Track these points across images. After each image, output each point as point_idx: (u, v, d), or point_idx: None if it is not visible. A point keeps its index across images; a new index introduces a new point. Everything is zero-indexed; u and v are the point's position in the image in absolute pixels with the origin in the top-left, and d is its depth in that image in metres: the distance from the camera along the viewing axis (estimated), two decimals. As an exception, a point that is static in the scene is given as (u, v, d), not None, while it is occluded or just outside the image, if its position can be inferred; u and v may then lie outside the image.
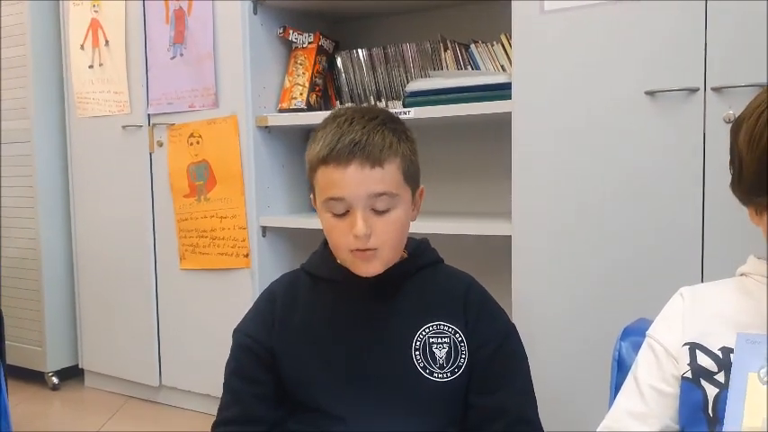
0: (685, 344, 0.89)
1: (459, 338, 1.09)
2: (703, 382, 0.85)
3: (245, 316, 1.20)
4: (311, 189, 1.14)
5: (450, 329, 1.09)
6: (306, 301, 1.15)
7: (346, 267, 1.13)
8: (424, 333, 1.09)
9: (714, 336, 0.87)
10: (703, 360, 0.86)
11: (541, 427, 1.11)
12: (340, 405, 1.08)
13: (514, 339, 1.15)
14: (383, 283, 1.12)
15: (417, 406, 1.07)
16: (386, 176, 1.05)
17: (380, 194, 1.05)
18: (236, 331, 1.18)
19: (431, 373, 1.07)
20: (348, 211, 1.06)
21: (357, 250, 1.06)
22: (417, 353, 1.08)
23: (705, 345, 0.87)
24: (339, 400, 1.08)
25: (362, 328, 1.11)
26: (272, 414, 1.14)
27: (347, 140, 1.05)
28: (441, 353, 1.08)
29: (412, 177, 1.12)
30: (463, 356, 1.09)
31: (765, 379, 0.80)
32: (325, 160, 1.06)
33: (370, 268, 1.07)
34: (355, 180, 1.04)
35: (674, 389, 0.89)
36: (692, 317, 0.92)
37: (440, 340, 1.09)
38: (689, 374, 0.87)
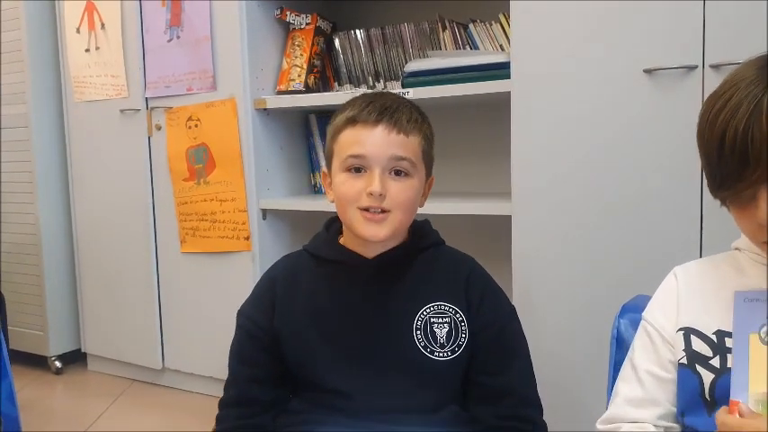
0: (680, 329, 0.89)
1: (460, 318, 1.11)
2: (699, 368, 0.85)
3: (248, 298, 1.22)
4: (327, 161, 1.16)
5: (450, 309, 1.11)
6: (308, 280, 1.16)
7: (349, 248, 1.15)
8: (425, 313, 1.10)
9: (709, 318, 0.87)
10: (698, 345, 0.86)
11: (540, 404, 1.14)
12: (343, 382, 1.09)
13: (515, 321, 1.17)
14: (385, 264, 1.13)
15: (419, 383, 1.09)
16: (408, 144, 1.10)
17: (401, 159, 1.08)
18: (238, 313, 1.20)
19: (432, 352, 1.09)
20: (366, 171, 1.08)
21: (368, 211, 1.07)
22: (418, 332, 1.09)
23: (700, 329, 0.87)
24: (342, 378, 1.10)
25: (365, 308, 1.12)
26: (270, 395, 1.16)
27: (378, 104, 1.10)
28: (441, 332, 1.09)
29: (428, 159, 1.16)
30: (463, 335, 1.10)
31: (767, 339, 0.78)
32: (353, 120, 1.10)
33: (378, 231, 1.08)
34: (379, 141, 1.08)
35: (670, 374, 0.90)
36: (687, 299, 0.92)
37: (440, 320, 1.10)
38: (685, 360, 0.87)
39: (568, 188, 1.77)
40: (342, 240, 1.18)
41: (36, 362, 2.91)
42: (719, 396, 0.83)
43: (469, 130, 2.37)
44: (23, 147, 2.83)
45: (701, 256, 1.59)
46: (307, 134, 2.60)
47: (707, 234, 1.61)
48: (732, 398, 0.77)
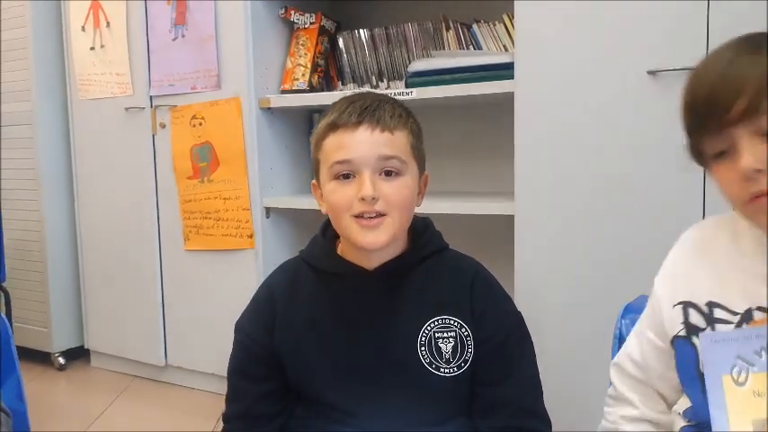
0: (679, 303, 0.90)
1: (466, 333, 1.07)
2: (695, 340, 0.86)
3: (246, 310, 1.17)
4: (315, 173, 1.11)
5: (456, 323, 1.07)
6: (308, 294, 1.12)
7: (348, 259, 1.10)
8: (429, 328, 1.06)
9: (702, 290, 0.88)
10: (694, 317, 0.87)
11: (547, 418, 1.10)
12: (345, 399, 1.07)
13: (521, 330, 1.12)
14: (387, 277, 1.08)
15: (424, 400, 1.06)
16: (395, 142, 1.03)
17: (390, 157, 1.02)
18: (237, 327, 1.15)
19: (437, 368, 1.05)
20: (355, 176, 1.02)
21: (362, 218, 1.01)
22: (423, 348, 1.05)
23: (695, 302, 0.88)
24: (345, 394, 1.07)
25: (367, 323, 1.08)
26: (277, 407, 1.12)
27: (357, 105, 1.04)
28: (447, 347, 1.06)
29: (419, 155, 1.09)
30: (469, 350, 1.06)
31: (741, 378, 0.76)
32: (334, 125, 1.04)
33: (376, 238, 1.01)
34: (364, 142, 1.02)
35: (665, 344, 0.92)
36: (685, 270, 0.93)
37: (445, 335, 1.06)
38: (683, 333, 0.88)
39: (571, 188, 1.78)
40: (340, 248, 1.13)
41: (39, 358, 2.92)
42: None
43: (473, 130, 2.38)
44: (28, 144, 2.84)
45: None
46: (310, 133, 2.60)
47: (709, 235, 1.62)
48: None
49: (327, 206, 1.07)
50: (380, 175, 1.02)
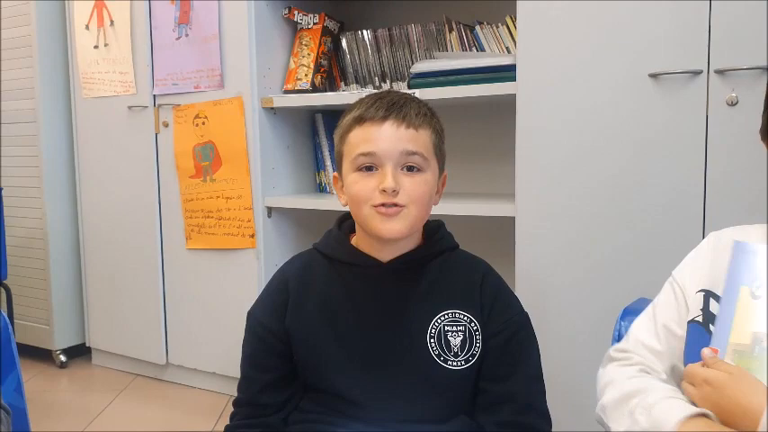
0: (700, 290, 0.92)
1: (475, 327, 1.09)
2: (712, 328, 0.87)
3: (259, 298, 1.20)
4: (337, 165, 1.15)
5: (465, 318, 1.09)
6: (321, 283, 1.14)
7: (363, 250, 1.13)
8: (439, 321, 1.09)
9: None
10: (715, 307, 0.88)
11: (548, 416, 1.12)
12: (353, 387, 1.08)
13: (527, 329, 1.15)
14: (400, 269, 1.11)
15: (431, 392, 1.08)
16: (419, 139, 1.08)
17: (413, 153, 1.06)
18: (249, 315, 1.18)
19: (445, 361, 1.07)
20: (377, 169, 1.06)
21: (382, 206, 1.05)
22: (432, 340, 1.08)
23: (718, 293, 0.89)
24: (353, 384, 1.08)
25: (378, 313, 1.10)
26: (282, 396, 1.15)
27: (385, 101, 1.08)
28: (456, 341, 1.08)
29: (440, 155, 1.14)
30: (478, 345, 1.09)
31: (758, 293, 0.78)
32: (360, 119, 1.08)
33: (394, 226, 1.05)
34: (389, 137, 1.06)
35: (683, 332, 0.93)
36: (713, 263, 0.94)
37: (455, 328, 1.08)
38: (699, 319, 0.90)
39: (572, 190, 1.78)
40: (354, 240, 1.16)
41: (40, 355, 2.93)
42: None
43: (475, 132, 2.38)
44: (31, 142, 2.85)
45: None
46: (313, 133, 2.61)
47: (709, 238, 1.62)
48: (711, 345, 0.78)
49: (348, 196, 1.11)
50: (402, 169, 1.07)
